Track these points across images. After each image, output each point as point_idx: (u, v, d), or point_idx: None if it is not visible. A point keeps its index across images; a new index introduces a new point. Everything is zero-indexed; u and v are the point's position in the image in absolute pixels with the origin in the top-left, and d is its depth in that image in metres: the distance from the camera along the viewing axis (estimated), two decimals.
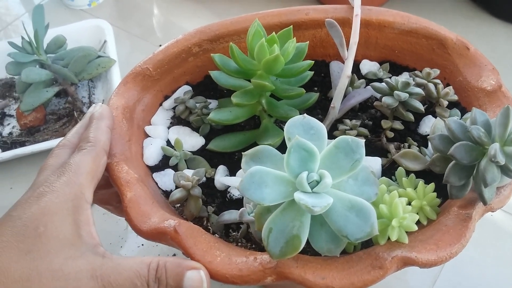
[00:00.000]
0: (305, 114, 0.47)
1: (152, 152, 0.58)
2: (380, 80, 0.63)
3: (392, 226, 0.43)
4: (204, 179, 0.56)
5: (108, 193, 0.57)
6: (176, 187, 0.54)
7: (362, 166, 0.44)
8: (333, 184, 0.43)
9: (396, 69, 0.65)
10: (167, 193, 0.56)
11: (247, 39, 0.54)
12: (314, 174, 0.42)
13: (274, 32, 0.53)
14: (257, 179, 0.42)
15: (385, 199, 0.45)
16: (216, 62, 0.54)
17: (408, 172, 0.51)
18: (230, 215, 0.51)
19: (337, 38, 0.57)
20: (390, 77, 0.63)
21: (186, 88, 0.64)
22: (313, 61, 0.53)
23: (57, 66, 0.91)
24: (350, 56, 0.57)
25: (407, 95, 0.53)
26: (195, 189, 0.50)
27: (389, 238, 0.44)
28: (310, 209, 0.39)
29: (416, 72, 0.59)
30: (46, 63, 0.90)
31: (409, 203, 0.47)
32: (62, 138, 0.88)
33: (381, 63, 0.65)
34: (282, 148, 0.55)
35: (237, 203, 0.55)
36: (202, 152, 0.59)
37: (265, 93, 0.55)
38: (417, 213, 0.47)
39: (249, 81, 0.55)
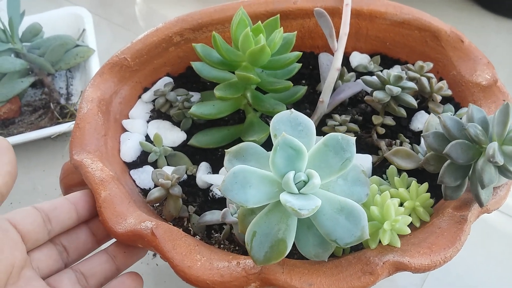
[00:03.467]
0: (292, 109, 0.44)
1: (129, 148, 0.55)
2: (370, 73, 0.61)
3: (384, 229, 0.41)
4: (185, 176, 0.53)
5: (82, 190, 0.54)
6: (155, 186, 0.51)
7: (353, 165, 0.41)
8: (321, 184, 0.40)
9: (387, 62, 0.62)
10: (145, 192, 0.52)
11: (231, 28, 0.51)
12: (302, 174, 0.39)
13: (260, 22, 0.50)
14: (240, 179, 0.39)
15: (376, 200, 0.43)
16: (198, 52, 0.51)
17: (400, 171, 0.49)
18: (212, 216, 0.48)
19: (326, 28, 0.54)
20: (381, 70, 0.61)
21: (167, 79, 0.61)
22: (301, 53, 0.50)
23: (32, 55, 0.86)
24: (340, 48, 0.54)
25: (400, 89, 0.51)
26: (175, 188, 0.47)
27: (380, 242, 0.42)
28: (297, 212, 0.36)
29: (408, 65, 0.56)
30: (21, 52, 0.86)
31: (401, 204, 0.45)
32: (38, 130, 0.85)
33: (371, 56, 0.62)
34: (268, 144, 0.52)
35: (220, 202, 0.52)
36: (183, 148, 0.56)
37: (250, 86, 0.52)
38: (410, 215, 0.45)
39: (234, 73, 0.52)
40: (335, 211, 0.40)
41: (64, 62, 0.90)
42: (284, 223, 0.40)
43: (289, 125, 0.43)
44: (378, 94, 0.51)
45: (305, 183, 0.39)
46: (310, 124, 0.43)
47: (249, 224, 0.41)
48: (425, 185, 0.45)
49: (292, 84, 0.51)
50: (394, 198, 0.43)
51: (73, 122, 0.83)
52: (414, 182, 0.46)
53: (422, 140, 0.53)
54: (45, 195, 0.82)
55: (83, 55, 0.91)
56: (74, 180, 0.56)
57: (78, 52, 0.90)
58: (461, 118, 0.44)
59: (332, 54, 0.56)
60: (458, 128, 0.43)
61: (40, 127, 0.85)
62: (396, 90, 0.50)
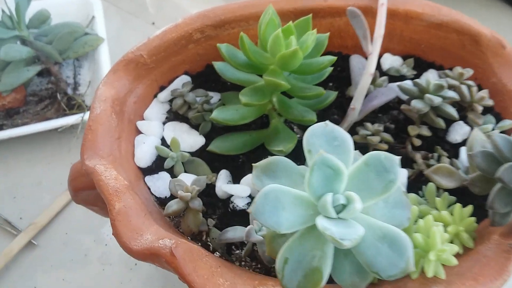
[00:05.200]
0: (327, 122, 0.40)
1: (144, 152, 0.51)
2: (403, 77, 0.57)
3: (429, 260, 0.37)
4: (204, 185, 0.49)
5: (93, 194, 0.50)
6: (171, 195, 0.47)
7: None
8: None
9: (420, 65, 0.58)
10: (160, 201, 0.49)
11: (259, 28, 0.46)
12: (340, 196, 0.36)
13: (291, 22, 0.45)
14: (272, 201, 0.35)
15: (419, 226, 0.39)
16: (222, 53, 0.47)
17: (438, 187, 0.45)
18: (235, 233, 0.44)
19: (360, 29, 0.50)
20: (415, 75, 0.57)
21: (185, 78, 0.57)
22: (336, 58, 0.46)
23: (39, 43, 0.82)
24: (374, 51, 0.50)
25: (441, 99, 0.47)
26: (195, 201, 0.44)
27: (422, 271, 0.38)
28: (337, 242, 0.33)
29: (446, 71, 0.52)
30: (27, 39, 0.82)
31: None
32: (44, 122, 0.81)
33: (404, 58, 0.58)
34: (295, 153, 0.49)
35: (241, 215, 0.48)
36: (201, 153, 0.52)
37: (277, 91, 0.48)
38: (452, 241, 0.41)
39: (259, 75, 0.48)
40: (377, 238, 0.36)
41: (72, 51, 0.86)
42: (319, 250, 0.36)
43: (324, 139, 0.39)
44: (417, 104, 0.47)
45: (344, 206, 0.36)
46: (347, 138, 0.39)
47: (278, 247, 0.38)
48: (470, 208, 0.42)
49: (324, 91, 0.47)
50: (438, 223, 0.39)
51: (81, 114, 0.80)
52: (458, 205, 0.42)
53: (461, 153, 0.49)
54: (50, 190, 0.78)
55: (92, 44, 0.87)
56: (83, 183, 0.52)
57: (87, 40, 0.86)
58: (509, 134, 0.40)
59: (364, 55, 0.52)
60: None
61: (46, 118, 0.81)
62: (437, 100, 0.46)
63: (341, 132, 0.39)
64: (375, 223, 0.36)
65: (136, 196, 0.45)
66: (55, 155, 0.82)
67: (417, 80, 0.48)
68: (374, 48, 0.50)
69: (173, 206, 0.44)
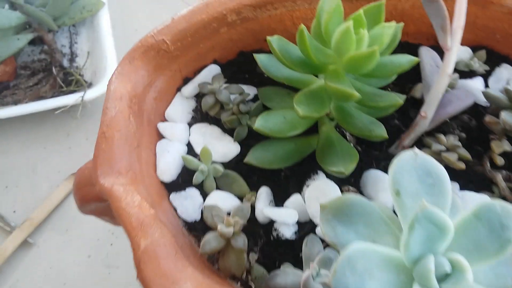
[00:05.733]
0: (417, 151, 0.31)
1: (169, 163, 0.42)
2: (472, 72, 0.48)
3: None
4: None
5: (103, 206, 0.42)
6: (202, 219, 0.38)
7: None
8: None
9: (492, 59, 0.49)
10: (189, 226, 0.40)
11: (319, 16, 0.37)
12: (444, 261, 0.28)
13: (361, 11, 0.36)
14: (358, 267, 0.27)
15: None
16: (273, 48, 0.37)
17: None
18: (286, 278, 0.36)
19: (437, 18, 0.41)
20: (487, 70, 0.48)
21: (214, 68, 0.47)
22: (417, 59, 0.37)
23: (31, 8, 0.71)
24: (454, 46, 0.40)
25: None
26: (239, 239, 0.35)
27: None
28: None
29: None
30: (17, 2, 0.71)
31: None
32: (39, 101, 0.71)
33: (474, 49, 0.49)
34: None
35: (287, 246, 0.40)
36: (236, 164, 0.43)
37: None
38: None
39: (313, 74, 0.39)
40: None
41: (68, 17, 0.75)
42: None
43: (415, 176, 0.30)
44: (507, 118, 0.38)
45: (447, 274, 0.28)
46: (443, 174, 0.31)
47: None
48: None
49: (401, 102, 0.37)
50: None
51: (80, 93, 0.69)
52: None
53: None
54: (47, 178, 0.69)
55: (91, 9, 0.76)
56: (91, 193, 0.43)
57: (85, 4, 0.75)
58: None
59: (435, 47, 0.43)
60: None
61: (40, 96, 0.71)
62: None
63: (436, 166, 0.31)
64: None
65: (164, 227, 0.36)
66: (51, 137, 0.72)
67: (508, 87, 0.39)
68: (453, 42, 0.40)
69: (212, 243, 0.35)
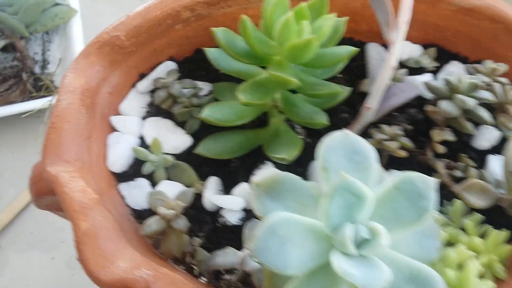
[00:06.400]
0: (347, 131, 0.32)
1: (119, 154, 0.43)
2: (422, 69, 0.49)
3: None
4: None
5: (56, 199, 0.43)
6: (150, 209, 0.39)
7: None
8: None
9: (442, 56, 0.50)
10: (137, 213, 0.41)
11: (264, 8, 0.38)
12: (363, 228, 0.29)
13: (304, 3, 0.37)
14: (279, 235, 0.28)
15: (450, 259, 0.32)
16: (218, 39, 0.39)
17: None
18: (225, 258, 0.37)
19: (382, 13, 0.42)
20: (436, 67, 0.49)
21: (170, 65, 0.48)
22: (358, 49, 0.38)
23: (3, 14, 0.72)
24: (398, 40, 0.42)
25: (474, 101, 0.39)
26: (179, 221, 0.36)
27: None
28: None
29: (476, 66, 0.45)
30: None
31: None
32: (7, 106, 0.72)
33: (425, 47, 0.51)
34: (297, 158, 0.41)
35: (233, 232, 0.40)
36: (188, 156, 0.44)
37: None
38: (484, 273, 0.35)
39: (261, 66, 0.40)
40: (404, 280, 0.29)
41: (41, 24, 0.76)
42: None
43: (342, 153, 0.31)
44: (447, 107, 0.40)
45: (366, 240, 0.28)
46: (370, 153, 0.32)
47: (279, 284, 0.30)
48: (504, 234, 0.35)
49: (341, 90, 0.39)
50: (471, 253, 0.33)
51: (49, 98, 0.70)
52: (494, 232, 0.35)
53: (490, 163, 0.42)
54: (14, 183, 0.70)
55: (63, 16, 0.77)
56: (46, 188, 0.44)
57: (57, 12, 0.77)
58: None
59: (381, 43, 0.44)
60: None
61: (9, 101, 0.72)
62: (471, 102, 0.39)
63: (363, 144, 0.32)
64: (403, 261, 0.29)
65: (107, 212, 0.37)
66: (20, 142, 0.73)
67: (448, 78, 0.41)
68: (398, 36, 0.42)
69: (152, 225, 0.36)
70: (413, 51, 0.50)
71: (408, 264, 0.29)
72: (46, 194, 0.44)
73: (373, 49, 0.46)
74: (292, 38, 0.35)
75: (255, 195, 0.32)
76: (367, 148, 0.32)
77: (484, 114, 0.40)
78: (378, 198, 0.29)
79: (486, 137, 0.44)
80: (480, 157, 0.44)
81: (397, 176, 0.30)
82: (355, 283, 0.26)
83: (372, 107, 0.42)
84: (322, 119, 0.39)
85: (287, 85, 0.37)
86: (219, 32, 0.39)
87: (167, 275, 0.33)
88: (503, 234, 0.35)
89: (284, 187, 0.31)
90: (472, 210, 0.38)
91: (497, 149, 0.44)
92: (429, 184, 0.29)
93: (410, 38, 0.50)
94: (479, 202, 0.37)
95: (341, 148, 0.31)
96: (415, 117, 0.46)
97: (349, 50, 0.38)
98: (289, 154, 0.39)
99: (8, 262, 0.63)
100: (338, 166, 0.31)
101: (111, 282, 0.33)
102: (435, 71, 0.49)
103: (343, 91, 0.42)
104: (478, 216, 0.37)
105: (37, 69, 0.76)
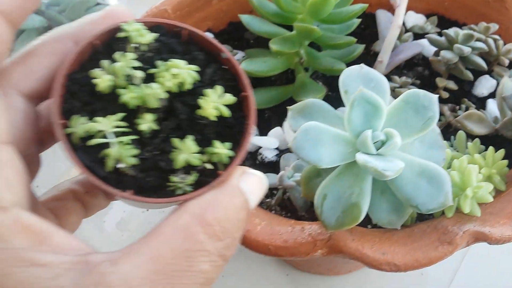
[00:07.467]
0: (362, 64, 0.40)
1: None
2: (426, 34, 0.57)
3: (466, 196, 0.37)
4: None
5: None
6: None
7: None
8: (399, 145, 0.36)
9: (443, 24, 0.58)
10: None
11: None
12: (380, 133, 0.36)
13: None
14: (312, 137, 0.35)
15: (454, 165, 0.39)
16: (252, 2, 0.47)
17: (469, 136, 0.45)
18: (268, 179, 0.44)
19: None
20: (438, 32, 0.57)
21: (208, 36, 0.56)
22: (367, 5, 0.46)
23: (52, 12, 0.82)
24: (402, 3, 0.49)
25: (470, 49, 0.47)
26: None
27: (457, 210, 0.38)
28: (380, 174, 0.33)
29: (471, 26, 0.52)
30: (40, 8, 0.81)
31: None
32: None
33: (427, 16, 0.58)
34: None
35: (269, 167, 0.48)
36: None
37: (305, 42, 0.48)
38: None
39: (287, 28, 0.48)
40: (416, 174, 0.36)
41: None
42: (357, 187, 0.36)
43: (359, 81, 0.39)
44: (446, 54, 0.47)
45: (383, 143, 0.36)
46: (382, 80, 0.39)
47: (314, 187, 0.38)
48: (501, 152, 0.42)
49: (355, 40, 0.47)
50: (473, 164, 0.39)
51: None
52: (491, 148, 0.42)
53: (488, 105, 0.49)
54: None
55: None
56: None
57: (99, 10, 0.86)
58: None
59: (389, 11, 0.52)
60: None
61: None
62: (466, 50, 0.46)
63: (376, 74, 0.39)
64: (414, 160, 0.36)
65: None
66: None
67: (445, 30, 0.48)
68: (401, 0, 0.50)
69: None
70: (417, 20, 0.58)
71: (419, 163, 0.36)
72: None
73: (382, 14, 0.53)
74: None
75: (289, 116, 0.39)
76: (381, 77, 0.39)
77: (479, 60, 0.48)
78: (390, 110, 0.37)
79: (485, 85, 0.51)
80: (480, 103, 0.51)
81: (405, 92, 0.37)
82: (376, 168, 0.33)
83: (383, 61, 0.50)
84: (341, 66, 0.46)
85: (310, 34, 0.44)
86: None
87: None
88: (500, 152, 0.42)
89: (313, 109, 0.39)
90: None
91: (495, 96, 0.51)
92: (432, 98, 0.36)
93: (413, 8, 0.58)
94: (478, 129, 0.45)
95: (358, 77, 0.39)
96: (422, 73, 0.54)
97: (360, 6, 0.46)
98: (314, 96, 0.46)
99: None
100: (356, 88, 0.38)
101: None
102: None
103: (357, 47, 0.49)
104: (478, 141, 0.44)
105: None
